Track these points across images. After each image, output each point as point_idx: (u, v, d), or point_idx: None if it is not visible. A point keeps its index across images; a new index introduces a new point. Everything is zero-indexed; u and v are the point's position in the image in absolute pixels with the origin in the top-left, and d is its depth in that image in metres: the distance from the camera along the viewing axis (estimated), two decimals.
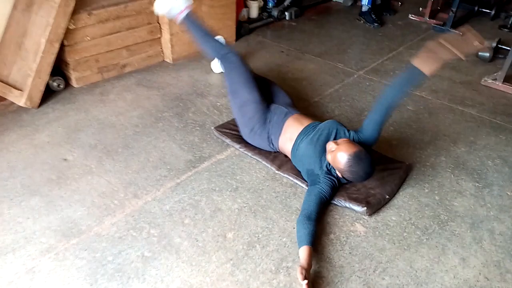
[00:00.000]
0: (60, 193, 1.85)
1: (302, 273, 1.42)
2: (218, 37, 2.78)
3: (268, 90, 2.29)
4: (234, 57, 2.17)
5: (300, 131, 1.96)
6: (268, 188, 1.94)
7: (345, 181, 1.88)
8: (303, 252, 1.54)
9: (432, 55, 1.72)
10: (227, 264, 1.57)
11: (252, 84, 2.12)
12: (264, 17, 3.84)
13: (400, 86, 1.82)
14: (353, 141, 1.81)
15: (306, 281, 1.41)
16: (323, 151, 1.84)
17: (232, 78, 2.17)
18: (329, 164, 1.82)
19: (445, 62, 1.72)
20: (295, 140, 1.94)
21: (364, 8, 3.99)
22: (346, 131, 1.91)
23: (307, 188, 1.88)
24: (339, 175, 1.81)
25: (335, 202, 1.84)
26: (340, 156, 1.73)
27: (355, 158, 1.71)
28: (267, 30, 3.73)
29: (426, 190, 1.98)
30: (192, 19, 2.18)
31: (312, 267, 1.54)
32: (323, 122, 1.97)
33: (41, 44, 2.32)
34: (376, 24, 3.93)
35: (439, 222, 1.81)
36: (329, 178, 1.81)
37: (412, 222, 1.80)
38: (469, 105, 2.73)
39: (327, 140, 1.86)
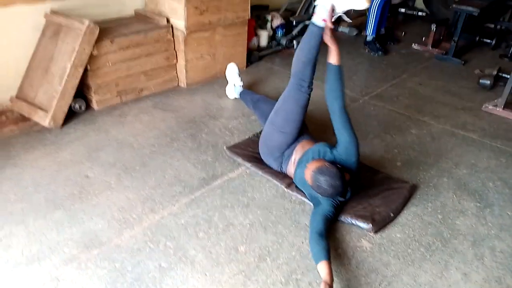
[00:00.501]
0: (82, 207, 1.96)
1: None
2: (231, 67, 3.01)
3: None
4: (307, 93, 2.13)
5: (300, 156, 2.07)
6: (277, 205, 2.04)
7: (343, 199, 1.95)
8: (324, 268, 1.57)
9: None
10: (239, 276, 1.66)
11: (302, 124, 2.16)
12: (273, 46, 4.02)
13: (331, 88, 1.99)
14: (323, 159, 1.90)
15: None
16: None
17: (292, 108, 2.13)
18: None
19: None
20: (296, 166, 2.06)
21: (369, 38, 4.18)
22: (332, 151, 1.97)
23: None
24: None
25: (342, 220, 1.93)
26: (306, 173, 1.86)
27: (318, 172, 1.80)
28: (276, 58, 3.91)
29: (430, 209, 2.07)
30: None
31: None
32: (313, 146, 2.06)
33: (67, 68, 2.49)
34: (380, 52, 4.10)
35: (442, 240, 1.89)
36: (330, 199, 1.90)
37: (416, 239, 1.88)
38: (470, 130, 2.84)
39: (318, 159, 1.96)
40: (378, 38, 4.21)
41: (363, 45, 4.26)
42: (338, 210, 1.93)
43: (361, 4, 1.94)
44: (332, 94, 1.99)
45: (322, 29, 1.98)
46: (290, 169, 2.13)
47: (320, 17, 1.97)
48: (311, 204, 2.02)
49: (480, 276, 1.71)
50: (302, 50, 2.08)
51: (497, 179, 2.33)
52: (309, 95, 2.14)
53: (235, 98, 3.01)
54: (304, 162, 1.99)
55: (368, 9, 4.08)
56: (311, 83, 2.13)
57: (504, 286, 1.68)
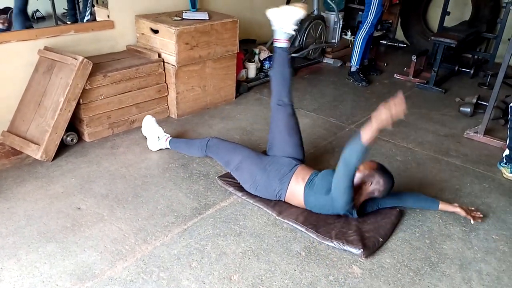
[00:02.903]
0: (74, 239, 1.97)
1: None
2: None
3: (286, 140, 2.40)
4: (211, 141, 2.46)
5: (310, 174, 2.17)
6: (269, 233, 2.07)
7: (356, 216, 2.08)
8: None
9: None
10: None
11: (236, 147, 2.41)
12: (261, 77, 4.15)
13: (417, 198, 2.27)
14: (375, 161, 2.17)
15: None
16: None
17: (220, 156, 2.43)
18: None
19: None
20: (307, 181, 2.13)
21: (353, 69, 4.33)
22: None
23: (306, 232, 2.04)
24: (367, 190, 2.06)
25: (333, 245, 1.97)
26: (368, 165, 2.08)
27: (380, 164, 2.11)
28: (264, 88, 4.02)
29: (417, 234, 2.12)
30: (174, 141, 2.70)
31: None
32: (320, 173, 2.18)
33: (60, 102, 2.54)
34: (364, 83, 4.26)
35: (430, 264, 1.93)
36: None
37: (405, 264, 1.93)
38: (453, 156, 2.94)
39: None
40: (361, 69, 4.38)
41: (347, 76, 4.41)
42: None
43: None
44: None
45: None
46: (294, 193, 2.16)
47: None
48: (303, 232, 2.06)
49: None
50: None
51: (481, 203, 2.41)
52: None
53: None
54: (325, 173, 2.15)
55: (354, 42, 4.26)
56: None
57: None
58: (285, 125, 2.35)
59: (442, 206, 2.20)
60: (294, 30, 2.27)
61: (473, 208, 2.24)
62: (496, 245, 2.08)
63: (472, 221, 2.15)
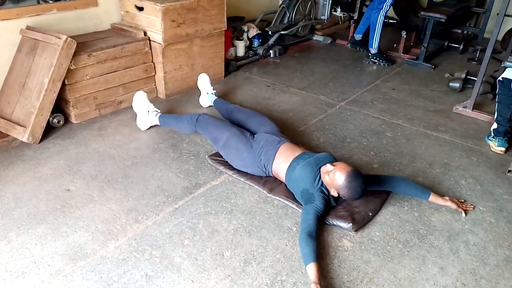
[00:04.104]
0: (65, 220, 1.96)
1: None
2: (202, 77, 3.06)
3: (256, 120, 2.51)
4: (201, 116, 2.50)
5: (295, 156, 2.13)
6: (261, 210, 2.08)
7: (334, 204, 2.04)
8: (313, 269, 1.65)
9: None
10: (226, 280, 1.69)
11: (224, 124, 2.43)
12: (250, 55, 4.10)
13: (408, 186, 2.19)
14: (348, 165, 1.99)
15: None
16: (319, 173, 2.01)
17: (209, 132, 2.45)
18: (323, 184, 2.00)
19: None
20: (291, 163, 2.11)
21: (374, 51, 4.21)
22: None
23: (297, 208, 2.04)
24: (334, 194, 1.97)
25: (324, 221, 1.99)
26: (338, 174, 1.91)
27: (352, 175, 1.91)
28: (254, 67, 3.99)
29: (406, 208, 2.15)
30: (164, 116, 2.70)
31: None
32: (320, 153, 2.16)
33: (45, 83, 2.49)
34: (390, 62, 4.20)
35: (419, 236, 1.97)
36: (323, 196, 1.97)
37: (394, 236, 1.96)
38: (442, 131, 2.96)
39: (323, 164, 2.03)
40: (355, 43, 4.36)
41: (365, 58, 4.28)
42: (326, 210, 1.99)
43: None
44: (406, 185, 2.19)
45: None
46: (280, 169, 2.16)
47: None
48: (294, 208, 2.07)
49: (455, 269, 1.79)
50: (172, 126, 2.73)
51: (469, 176, 2.44)
52: (203, 114, 2.53)
53: (210, 106, 3.06)
54: (312, 161, 2.06)
55: (372, 22, 4.13)
56: (194, 116, 2.54)
57: (478, 277, 1.76)
58: (245, 113, 2.64)
59: (433, 198, 2.13)
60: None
61: (463, 200, 2.22)
62: (483, 216, 2.12)
63: (463, 214, 2.11)
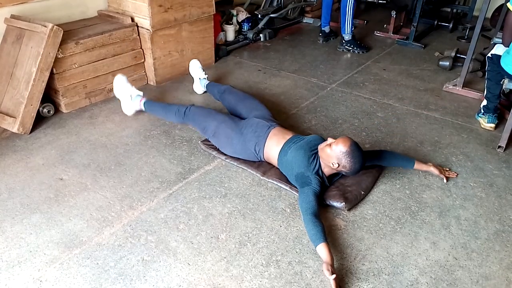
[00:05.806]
0: (59, 209, 1.96)
1: (329, 269, 1.56)
2: (194, 63, 3.04)
3: (247, 104, 2.51)
4: (188, 108, 2.46)
5: (286, 139, 2.13)
6: (254, 193, 2.10)
7: (328, 184, 2.06)
8: (324, 249, 1.65)
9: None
10: (222, 262, 1.71)
11: (211, 113, 2.41)
12: (240, 40, 4.07)
13: (394, 158, 2.26)
14: (349, 137, 2.00)
15: (334, 275, 1.55)
16: (312, 156, 2.02)
17: (198, 122, 2.43)
18: (319, 166, 2.00)
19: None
20: (282, 147, 2.11)
21: (348, 37, 3.99)
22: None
23: (290, 190, 2.06)
24: (334, 166, 1.94)
25: None
26: (342, 143, 1.90)
27: (354, 144, 1.92)
28: (244, 51, 3.96)
29: (398, 186, 2.18)
30: (150, 104, 2.64)
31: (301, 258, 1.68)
32: (310, 135, 2.16)
33: (32, 73, 2.46)
34: (365, 50, 4.00)
35: (411, 213, 2.00)
36: (319, 178, 1.98)
37: (386, 214, 1.99)
38: (433, 109, 2.98)
39: (316, 146, 2.04)
40: (326, 36, 4.25)
41: (338, 46, 4.09)
42: (322, 192, 1.99)
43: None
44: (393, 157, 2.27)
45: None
46: (272, 153, 2.16)
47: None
48: (287, 190, 2.09)
49: (447, 244, 1.83)
50: (159, 114, 2.69)
51: (459, 153, 2.47)
52: (190, 105, 2.50)
53: (204, 91, 3.04)
54: (304, 144, 2.05)
55: (341, 8, 3.93)
56: (182, 107, 2.49)
57: (469, 250, 1.80)
58: (237, 95, 2.64)
59: (417, 165, 2.21)
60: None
61: (447, 169, 2.28)
62: (474, 191, 2.16)
63: (445, 181, 2.18)
